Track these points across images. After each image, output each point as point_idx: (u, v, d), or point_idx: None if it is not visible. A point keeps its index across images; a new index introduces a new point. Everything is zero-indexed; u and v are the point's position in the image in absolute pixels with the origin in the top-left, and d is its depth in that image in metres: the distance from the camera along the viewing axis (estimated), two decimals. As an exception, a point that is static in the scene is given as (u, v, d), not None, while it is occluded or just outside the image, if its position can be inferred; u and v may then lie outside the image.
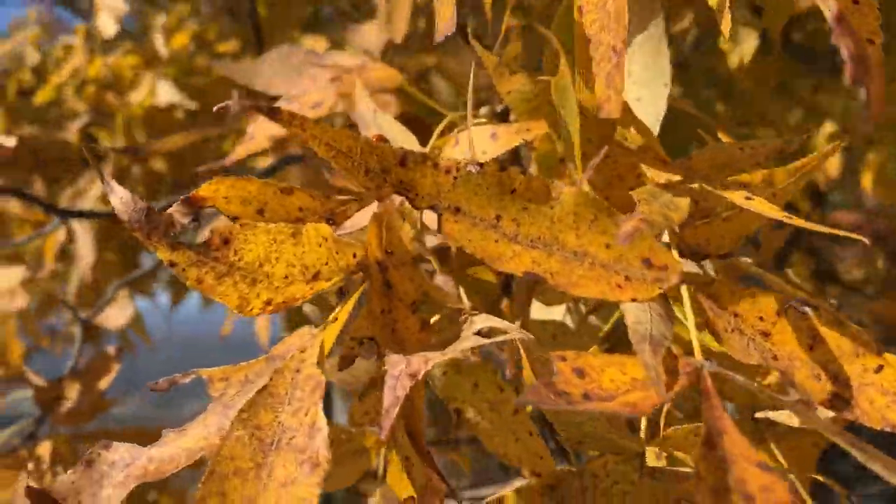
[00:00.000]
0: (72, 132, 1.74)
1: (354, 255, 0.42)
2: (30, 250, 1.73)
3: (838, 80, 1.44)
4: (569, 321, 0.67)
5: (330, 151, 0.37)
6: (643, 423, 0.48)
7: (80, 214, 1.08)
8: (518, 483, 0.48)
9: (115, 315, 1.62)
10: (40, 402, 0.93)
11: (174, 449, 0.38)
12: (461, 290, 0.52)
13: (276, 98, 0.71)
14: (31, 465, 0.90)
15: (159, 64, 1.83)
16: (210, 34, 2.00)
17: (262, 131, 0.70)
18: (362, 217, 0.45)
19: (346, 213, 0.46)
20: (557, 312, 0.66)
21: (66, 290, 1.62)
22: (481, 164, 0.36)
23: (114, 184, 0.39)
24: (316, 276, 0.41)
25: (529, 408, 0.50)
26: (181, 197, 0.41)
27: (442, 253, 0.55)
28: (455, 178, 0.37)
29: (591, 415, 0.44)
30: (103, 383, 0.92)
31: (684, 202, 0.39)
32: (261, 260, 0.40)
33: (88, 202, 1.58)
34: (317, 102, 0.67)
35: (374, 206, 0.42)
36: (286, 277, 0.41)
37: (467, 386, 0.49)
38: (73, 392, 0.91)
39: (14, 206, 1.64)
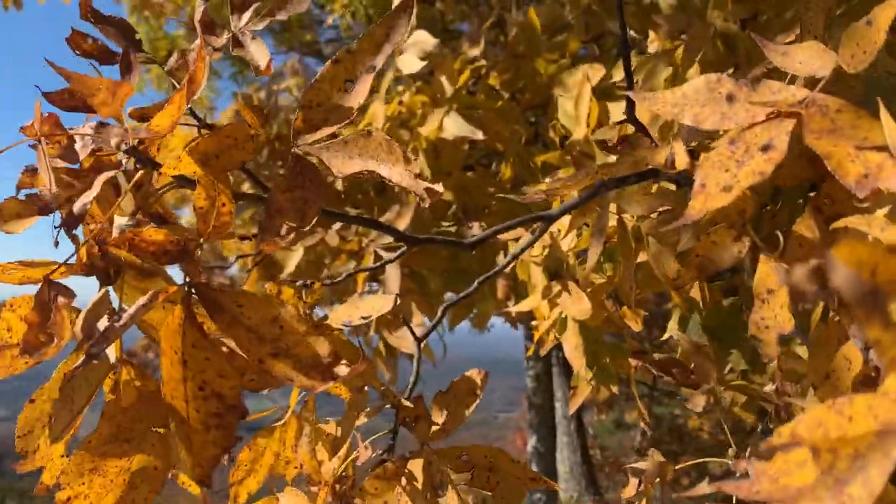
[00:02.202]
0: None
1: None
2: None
3: None
4: None
5: None
6: None
7: (429, 241, 1.15)
8: None
9: (408, 336, 1.71)
10: (403, 419, 0.99)
11: None
12: None
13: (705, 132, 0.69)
14: (403, 481, 0.96)
15: (444, 101, 1.94)
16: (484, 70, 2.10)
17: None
18: None
19: None
20: None
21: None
22: None
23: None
24: None
25: None
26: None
27: None
28: None
29: None
30: (469, 405, 0.96)
31: None
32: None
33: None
34: (766, 144, 0.63)
35: None
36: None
37: None
38: (439, 415, 0.97)
39: (332, 237, 1.81)
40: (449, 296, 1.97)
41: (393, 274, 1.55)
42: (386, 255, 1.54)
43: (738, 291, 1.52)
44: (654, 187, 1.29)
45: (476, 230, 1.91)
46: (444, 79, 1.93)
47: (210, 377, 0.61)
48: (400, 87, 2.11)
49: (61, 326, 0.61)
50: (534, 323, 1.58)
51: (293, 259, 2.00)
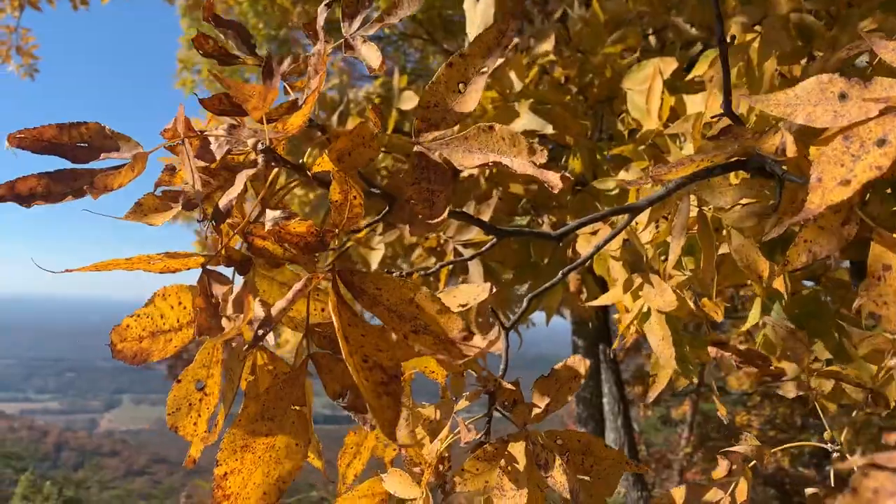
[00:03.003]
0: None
1: None
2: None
3: None
4: None
5: None
6: None
7: (517, 233, 1.19)
8: None
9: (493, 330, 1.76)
10: (501, 403, 1.03)
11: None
12: None
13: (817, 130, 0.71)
14: (503, 462, 1.00)
15: (513, 96, 1.98)
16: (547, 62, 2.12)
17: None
18: None
19: None
20: None
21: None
22: None
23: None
24: None
25: None
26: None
27: None
28: None
29: None
30: (572, 390, 1.00)
31: None
32: None
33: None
34: (882, 139, 0.65)
35: None
36: None
37: None
38: (540, 399, 1.01)
39: (408, 233, 1.86)
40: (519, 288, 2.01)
41: (476, 268, 1.60)
42: (465, 252, 1.59)
43: (819, 280, 1.53)
44: (736, 179, 1.31)
45: (546, 224, 1.94)
46: (513, 74, 1.97)
47: (369, 351, 0.67)
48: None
49: (247, 307, 0.67)
50: (616, 316, 1.60)
51: (376, 256, 2.06)
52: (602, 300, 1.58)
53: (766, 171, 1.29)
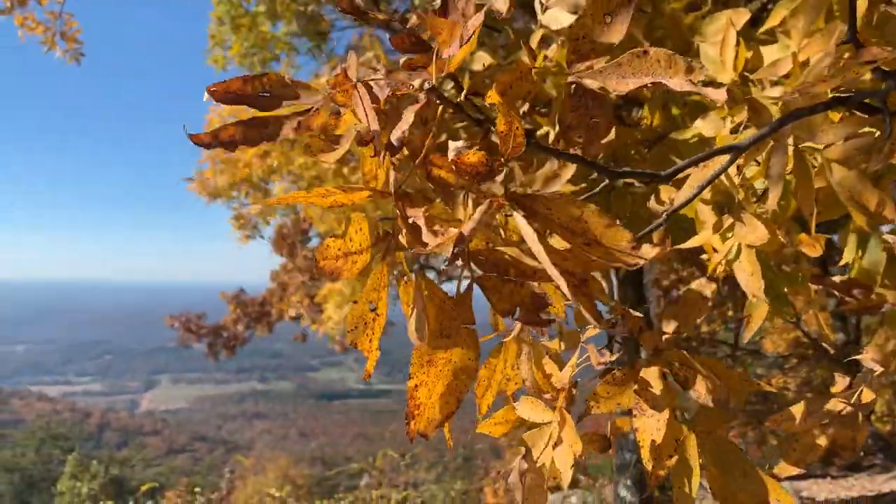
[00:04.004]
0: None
1: None
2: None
3: None
4: None
5: None
6: None
7: (629, 174, 1.23)
8: None
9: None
10: (629, 330, 1.10)
11: None
12: None
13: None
14: (635, 386, 1.06)
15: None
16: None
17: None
18: None
19: None
20: None
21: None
22: None
23: None
24: None
25: None
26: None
27: None
28: None
29: None
30: (700, 313, 1.06)
31: None
32: None
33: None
34: None
35: None
36: None
37: None
38: (668, 325, 1.07)
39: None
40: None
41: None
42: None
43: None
44: (837, 117, 1.34)
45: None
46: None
47: (556, 260, 0.73)
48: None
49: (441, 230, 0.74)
50: (703, 257, 1.65)
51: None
52: (691, 242, 1.62)
53: (870, 107, 1.32)
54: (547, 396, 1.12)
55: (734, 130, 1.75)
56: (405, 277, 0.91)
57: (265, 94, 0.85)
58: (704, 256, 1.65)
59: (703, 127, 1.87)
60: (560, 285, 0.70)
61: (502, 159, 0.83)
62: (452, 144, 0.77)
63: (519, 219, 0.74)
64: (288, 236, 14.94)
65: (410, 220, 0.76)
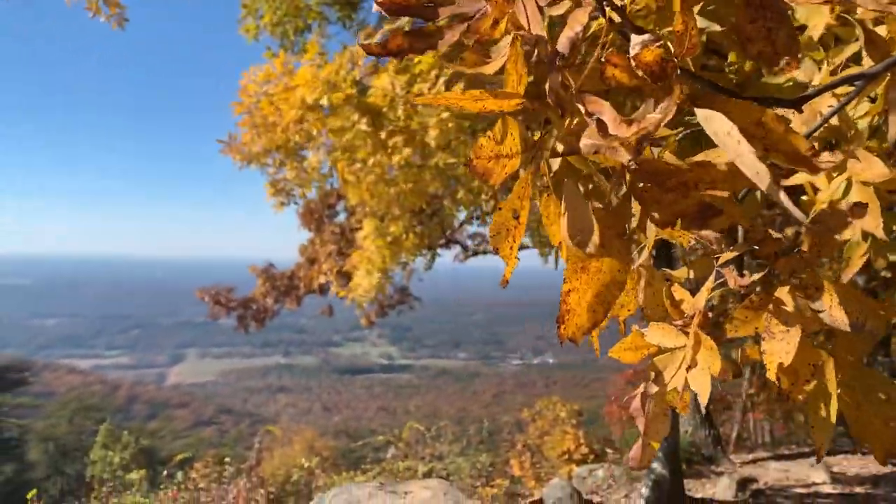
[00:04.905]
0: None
1: None
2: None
3: None
4: None
5: None
6: None
7: (762, 100, 1.21)
8: None
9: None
10: (763, 254, 1.08)
11: None
12: None
13: None
14: (771, 307, 1.05)
15: None
16: None
17: None
18: None
19: None
20: None
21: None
22: None
23: None
24: None
25: None
26: None
27: None
28: None
29: None
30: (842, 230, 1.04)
31: None
32: None
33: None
34: None
35: None
36: None
37: None
38: (805, 243, 1.05)
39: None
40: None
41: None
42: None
43: None
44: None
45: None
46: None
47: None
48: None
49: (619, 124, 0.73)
50: (804, 197, 1.62)
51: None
52: (793, 180, 1.59)
53: None
54: (678, 322, 1.11)
55: (833, 72, 1.71)
56: (547, 189, 0.91)
57: (429, 5, 0.85)
58: (804, 197, 1.62)
59: (798, 72, 1.83)
60: (758, 177, 0.69)
61: (676, 60, 0.81)
62: (635, 38, 0.76)
63: (714, 114, 0.73)
64: (315, 210, 15.00)
65: (594, 117, 0.75)
